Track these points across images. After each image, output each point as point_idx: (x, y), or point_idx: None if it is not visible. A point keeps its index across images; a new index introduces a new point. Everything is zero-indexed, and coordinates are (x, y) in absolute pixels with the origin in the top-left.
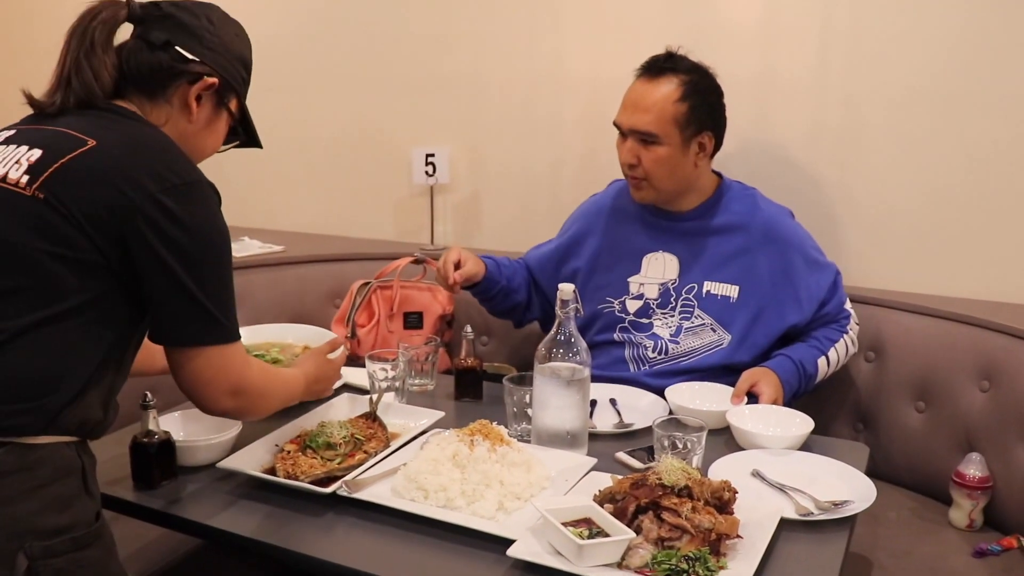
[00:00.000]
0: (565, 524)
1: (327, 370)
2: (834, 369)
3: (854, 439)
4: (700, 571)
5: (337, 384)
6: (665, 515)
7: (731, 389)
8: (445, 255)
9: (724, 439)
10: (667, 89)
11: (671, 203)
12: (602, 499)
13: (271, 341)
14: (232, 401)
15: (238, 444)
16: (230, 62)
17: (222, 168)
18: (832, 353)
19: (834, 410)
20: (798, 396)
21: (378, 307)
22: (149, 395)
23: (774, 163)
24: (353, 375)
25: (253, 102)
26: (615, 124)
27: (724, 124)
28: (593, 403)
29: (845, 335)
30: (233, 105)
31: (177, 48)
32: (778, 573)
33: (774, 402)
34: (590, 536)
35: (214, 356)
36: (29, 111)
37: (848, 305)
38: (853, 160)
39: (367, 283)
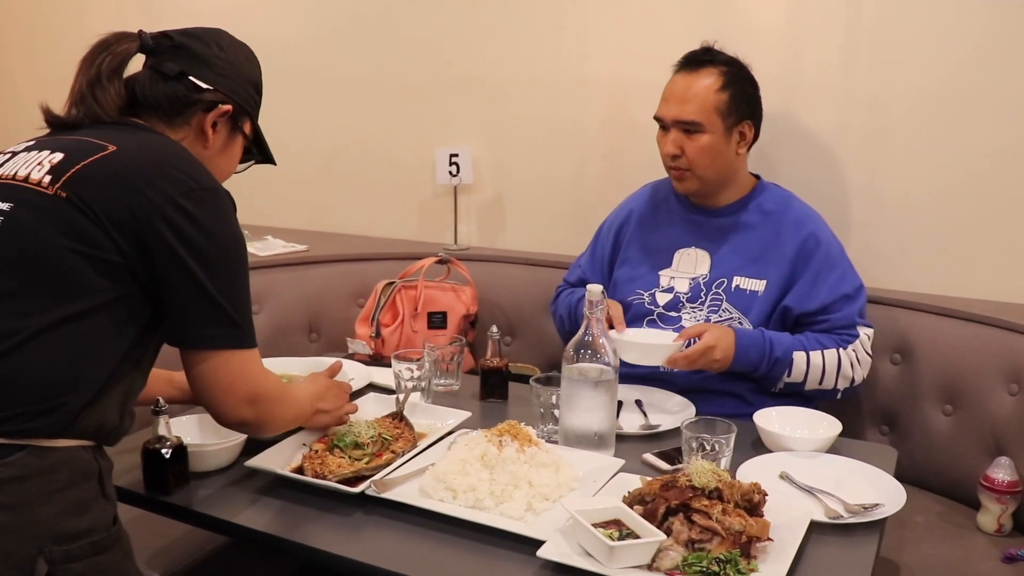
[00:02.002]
0: (595, 525)
1: (330, 387)
2: (821, 381)
3: (879, 442)
4: (731, 573)
5: (362, 384)
6: (696, 517)
7: (675, 333)
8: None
9: (751, 441)
10: (708, 80)
11: (710, 196)
12: (632, 500)
13: (279, 373)
14: (250, 410)
15: (252, 447)
16: (242, 87)
17: None
18: (816, 356)
19: (859, 412)
20: (763, 378)
21: (402, 307)
22: (161, 400)
23: (799, 165)
24: (379, 375)
25: (279, 102)
26: (656, 118)
27: (761, 115)
28: (619, 404)
29: (842, 349)
30: (247, 128)
31: (191, 78)
32: None
33: (710, 353)
34: (620, 538)
35: (233, 361)
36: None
37: (863, 331)
38: (878, 162)
39: (391, 283)
